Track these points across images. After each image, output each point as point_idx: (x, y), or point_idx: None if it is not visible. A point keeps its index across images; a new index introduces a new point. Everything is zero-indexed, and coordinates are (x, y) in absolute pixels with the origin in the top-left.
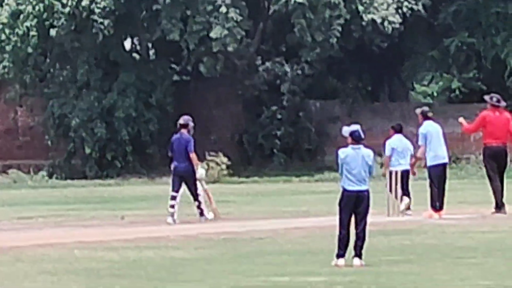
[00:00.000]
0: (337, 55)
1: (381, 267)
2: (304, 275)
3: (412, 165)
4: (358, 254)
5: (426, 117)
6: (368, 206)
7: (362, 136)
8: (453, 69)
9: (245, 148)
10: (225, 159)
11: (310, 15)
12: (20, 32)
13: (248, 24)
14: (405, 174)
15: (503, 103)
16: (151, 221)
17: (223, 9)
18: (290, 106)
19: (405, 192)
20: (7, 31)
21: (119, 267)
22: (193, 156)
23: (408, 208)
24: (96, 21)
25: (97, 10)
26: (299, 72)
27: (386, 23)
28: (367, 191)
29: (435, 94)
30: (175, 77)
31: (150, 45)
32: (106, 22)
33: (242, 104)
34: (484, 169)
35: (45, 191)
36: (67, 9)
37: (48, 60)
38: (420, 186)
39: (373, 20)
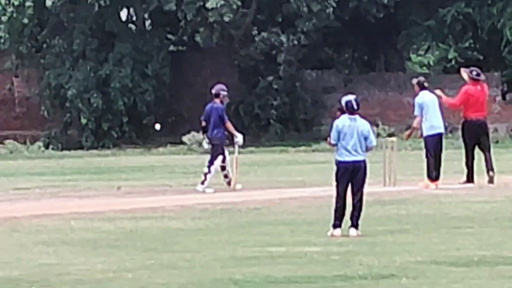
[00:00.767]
0: (333, 25)
1: (377, 237)
2: (300, 245)
3: (408, 135)
4: (355, 224)
5: (422, 87)
6: (364, 176)
7: (355, 106)
8: (449, 39)
9: (241, 118)
10: None
11: None
12: (16, 3)
13: None
14: None
15: (482, 77)
16: (147, 192)
17: None
18: (286, 76)
19: None
20: (3, 1)
21: (115, 237)
22: (228, 125)
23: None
24: None
25: None
26: (295, 42)
27: None
28: (364, 161)
29: (431, 64)
30: (171, 48)
31: (146, 15)
32: None
33: (238, 74)
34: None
35: (42, 161)
36: None
37: (44, 31)
38: (416, 157)
39: None
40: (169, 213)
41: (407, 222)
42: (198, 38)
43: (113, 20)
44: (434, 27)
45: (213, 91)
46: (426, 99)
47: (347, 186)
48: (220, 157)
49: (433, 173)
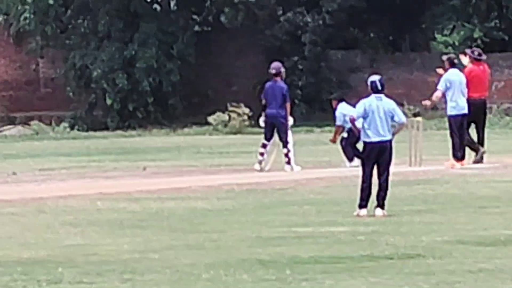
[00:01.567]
0: (358, 5)
1: (403, 217)
2: (327, 225)
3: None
4: (381, 204)
5: (452, 65)
6: (390, 156)
7: (379, 87)
8: (474, 19)
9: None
10: (246, 110)
11: None
12: None
13: None
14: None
15: (484, 57)
16: (173, 172)
17: None
18: (311, 56)
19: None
20: None
21: (141, 218)
22: (288, 105)
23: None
24: None
25: None
26: (320, 22)
27: None
28: (390, 141)
29: (456, 44)
30: (196, 28)
31: None
32: None
33: (263, 55)
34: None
35: (67, 142)
36: None
37: (69, 11)
38: (442, 136)
39: None
40: (195, 193)
41: (433, 202)
42: (223, 19)
43: (138, 1)
44: (459, 7)
45: (273, 70)
46: (454, 77)
47: (373, 166)
48: (290, 133)
49: (459, 153)
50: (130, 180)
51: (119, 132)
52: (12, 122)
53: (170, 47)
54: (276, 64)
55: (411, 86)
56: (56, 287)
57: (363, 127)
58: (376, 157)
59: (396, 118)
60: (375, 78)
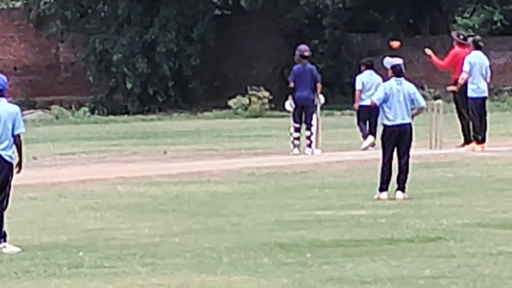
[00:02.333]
0: None
1: (423, 200)
2: (347, 208)
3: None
4: (401, 188)
5: (477, 47)
6: (410, 139)
7: (404, 70)
8: (494, 1)
9: (286, 81)
10: (266, 93)
11: None
12: None
13: None
14: (374, 111)
15: (469, 40)
16: (194, 156)
17: None
18: (331, 39)
19: (372, 130)
20: None
21: (162, 202)
22: (320, 85)
23: (373, 145)
24: None
25: None
26: (340, 5)
27: None
28: (410, 124)
29: (476, 26)
30: (216, 12)
31: None
32: None
33: (283, 38)
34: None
35: (87, 126)
36: None
37: None
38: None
39: None
40: (215, 177)
41: (453, 185)
42: (243, 2)
43: None
44: None
45: (300, 52)
46: (477, 60)
47: (393, 149)
48: (318, 113)
49: (479, 136)
50: (151, 164)
51: (139, 116)
52: (32, 106)
53: (190, 30)
54: (304, 47)
55: (431, 69)
56: (76, 272)
57: (383, 110)
58: (396, 140)
59: (416, 103)
60: (399, 61)
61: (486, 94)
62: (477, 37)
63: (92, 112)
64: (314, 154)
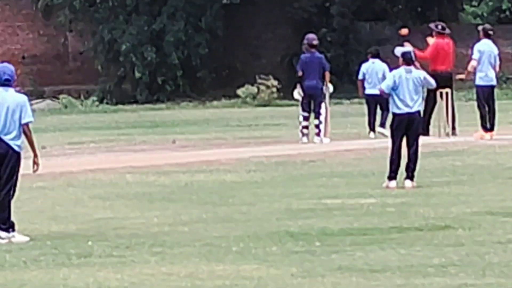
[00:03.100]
0: None
1: (432, 188)
2: (356, 197)
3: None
4: (410, 176)
5: (486, 35)
6: (419, 127)
7: (414, 58)
8: None
9: (294, 70)
10: (275, 82)
11: None
12: None
13: None
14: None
15: (447, 30)
16: (203, 145)
17: None
18: (340, 28)
19: (383, 120)
20: None
21: (171, 191)
22: (328, 74)
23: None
24: None
25: None
26: None
27: None
28: (419, 112)
29: (484, 14)
30: (225, 1)
31: None
32: None
33: (291, 27)
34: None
35: (96, 116)
36: None
37: None
38: (471, 107)
39: None
40: (224, 166)
41: (462, 173)
42: None
43: None
44: None
45: (308, 41)
46: (486, 48)
47: (402, 137)
48: (323, 105)
49: (488, 124)
50: (159, 153)
51: (148, 105)
52: (41, 96)
53: (198, 20)
54: (312, 36)
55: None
56: (85, 261)
57: (392, 98)
58: (405, 128)
59: (427, 85)
60: (409, 49)
61: (494, 82)
62: (487, 25)
63: (101, 102)
64: (322, 142)
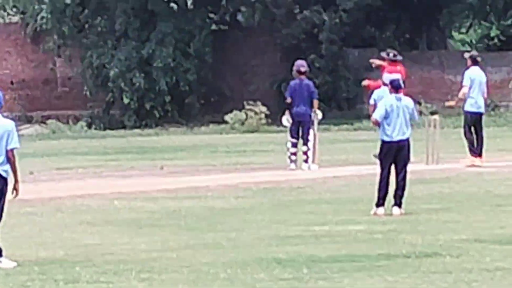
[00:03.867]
0: (375, 3)
1: (420, 215)
2: (344, 224)
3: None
4: (398, 203)
5: (474, 62)
6: (408, 155)
7: (402, 85)
8: (491, 17)
9: (283, 97)
10: (263, 108)
11: None
12: None
13: None
14: None
15: (399, 57)
16: (191, 171)
17: None
18: (328, 54)
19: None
20: None
21: (159, 217)
22: (316, 101)
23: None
24: None
25: None
26: (337, 20)
27: None
28: (407, 140)
29: (473, 42)
30: (213, 27)
31: None
32: None
33: (280, 53)
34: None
35: (84, 141)
36: None
37: (86, 11)
38: (459, 134)
39: None
40: (212, 192)
41: (450, 200)
42: (240, 17)
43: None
44: (476, 5)
45: (297, 67)
46: (477, 75)
47: (391, 165)
48: (312, 132)
49: (476, 149)
50: (148, 179)
51: (136, 131)
52: (29, 121)
53: (187, 46)
54: (301, 62)
55: (428, 84)
56: (73, 287)
57: (382, 126)
58: (394, 156)
59: (412, 118)
60: (396, 76)
61: (483, 110)
62: (474, 52)
63: (89, 127)
64: (311, 169)
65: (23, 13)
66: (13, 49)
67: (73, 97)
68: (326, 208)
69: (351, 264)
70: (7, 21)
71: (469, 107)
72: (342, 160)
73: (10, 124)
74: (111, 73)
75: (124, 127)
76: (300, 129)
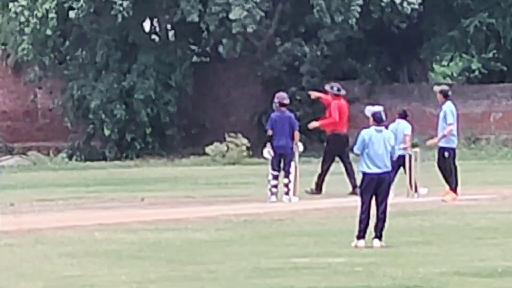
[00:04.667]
0: (356, 36)
1: (400, 248)
2: (324, 256)
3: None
4: (378, 236)
5: (446, 97)
6: (389, 188)
7: (384, 118)
8: (472, 50)
9: (264, 129)
10: (244, 140)
11: None
12: (39, 14)
13: (267, 5)
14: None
15: (343, 91)
16: (171, 203)
17: None
18: (309, 87)
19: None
20: (26, 13)
21: (139, 249)
22: (298, 133)
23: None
24: (115, 2)
25: None
26: (318, 53)
27: (405, 4)
28: (388, 173)
29: (454, 74)
30: (194, 59)
31: (169, 26)
32: (125, 3)
33: (261, 85)
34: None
35: (65, 173)
36: None
37: (67, 42)
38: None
39: (392, 1)
40: (192, 224)
41: (430, 233)
42: (221, 49)
43: (136, 31)
44: (457, 38)
45: (279, 100)
46: (454, 110)
47: (371, 197)
48: (293, 164)
49: (453, 184)
50: (128, 210)
51: (117, 162)
52: (10, 152)
53: (168, 77)
54: (283, 94)
55: (409, 117)
56: None
57: (362, 158)
58: (375, 188)
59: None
60: (379, 109)
61: (455, 145)
62: (445, 87)
63: (70, 159)
64: (291, 201)
65: (4, 44)
66: None
67: (54, 129)
68: (306, 240)
69: None
70: None
71: (450, 142)
72: (323, 193)
73: None
74: (92, 104)
75: (105, 159)
76: (281, 162)
